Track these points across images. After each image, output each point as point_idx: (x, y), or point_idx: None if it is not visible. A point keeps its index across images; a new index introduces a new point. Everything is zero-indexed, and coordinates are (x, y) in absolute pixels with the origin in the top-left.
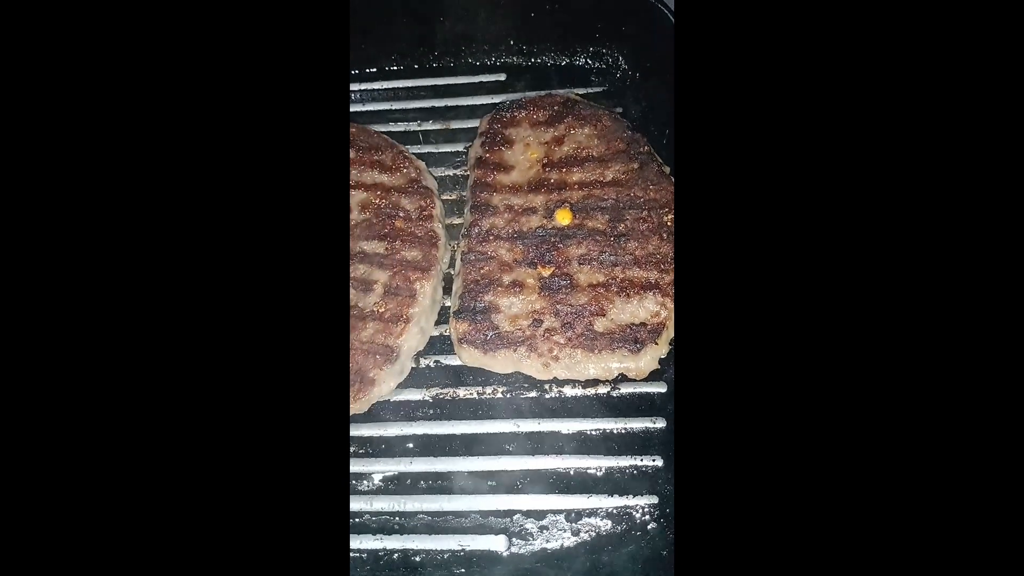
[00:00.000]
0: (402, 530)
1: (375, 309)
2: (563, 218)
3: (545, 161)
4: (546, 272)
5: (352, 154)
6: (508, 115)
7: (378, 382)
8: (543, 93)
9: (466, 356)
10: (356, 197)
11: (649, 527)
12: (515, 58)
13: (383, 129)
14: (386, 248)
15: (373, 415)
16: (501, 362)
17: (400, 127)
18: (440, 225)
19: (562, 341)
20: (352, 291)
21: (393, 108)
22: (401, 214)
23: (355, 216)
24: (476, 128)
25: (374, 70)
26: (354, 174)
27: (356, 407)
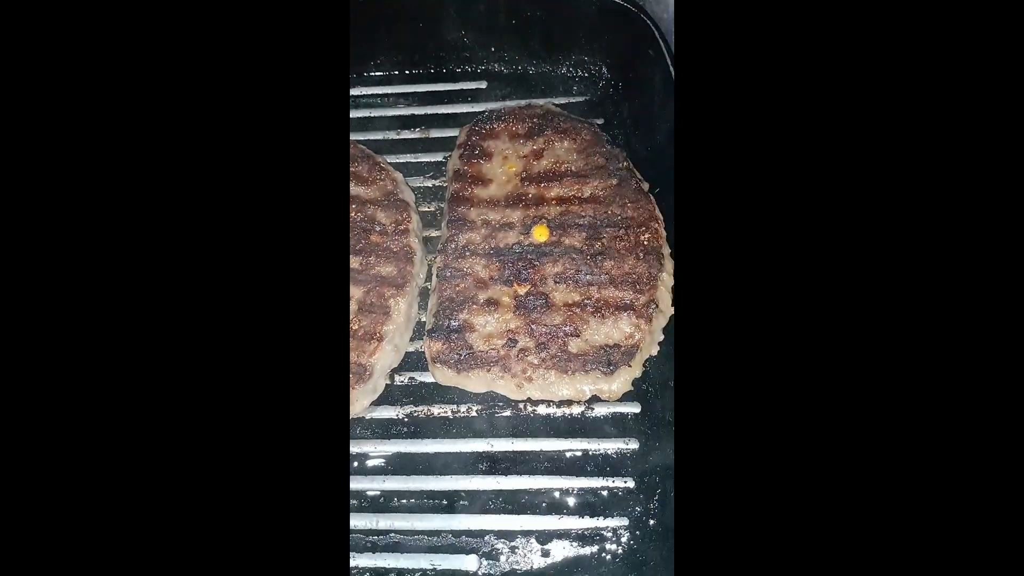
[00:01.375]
0: (374, 548)
1: (349, 327)
2: (540, 235)
3: (523, 175)
4: (522, 290)
5: None
6: (487, 127)
7: (351, 401)
8: (523, 103)
9: (440, 375)
10: None
11: (619, 549)
12: (496, 65)
13: (360, 138)
14: (361, 264)
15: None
16: (475, 382)
17: (378, 135)
18: (416, 239)
19: (536, 362)
20: None
21: (372, 115)
22: (377, 228)
23: None
24: (456, 137)
25: (352, 76)
26: None
27: None
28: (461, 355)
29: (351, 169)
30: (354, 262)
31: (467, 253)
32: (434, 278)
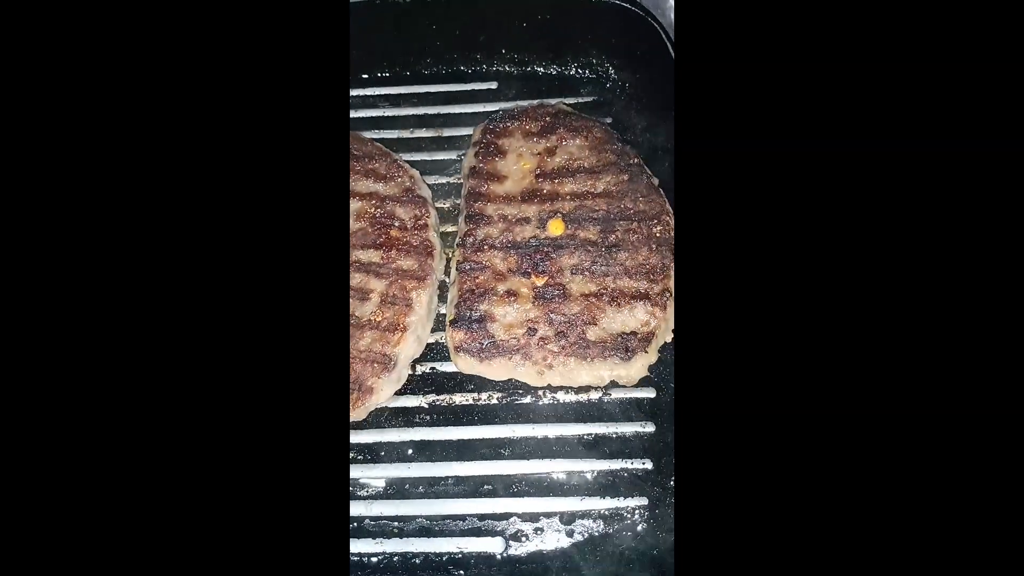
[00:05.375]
0: (401, 533)
1: (372, 318)
2: (556, 228)
3: (538, 171)
4: (539, 282)
5: None
6: (501, 125)
7: (376, 390)
8: (535, 103)
9: (462, 364)
10: (351, 206)
11: (639, 527)
12: (507, 66)
13: (375, 136)
14: (381, 257)
15: (371, 422)
16: (497, 370)
17: (393, 134)
18: (435, 234)
19: (556, 349)
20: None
21: (385, 115)
22: (396, 223)
23: (350, 225)
24: (468, 136)
25: (365, 76)
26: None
27: (355, 415)
28: (483, 344)
29: (370, 167)
30: (375, 256)
31: (485, 247)
32: (453, 271)
